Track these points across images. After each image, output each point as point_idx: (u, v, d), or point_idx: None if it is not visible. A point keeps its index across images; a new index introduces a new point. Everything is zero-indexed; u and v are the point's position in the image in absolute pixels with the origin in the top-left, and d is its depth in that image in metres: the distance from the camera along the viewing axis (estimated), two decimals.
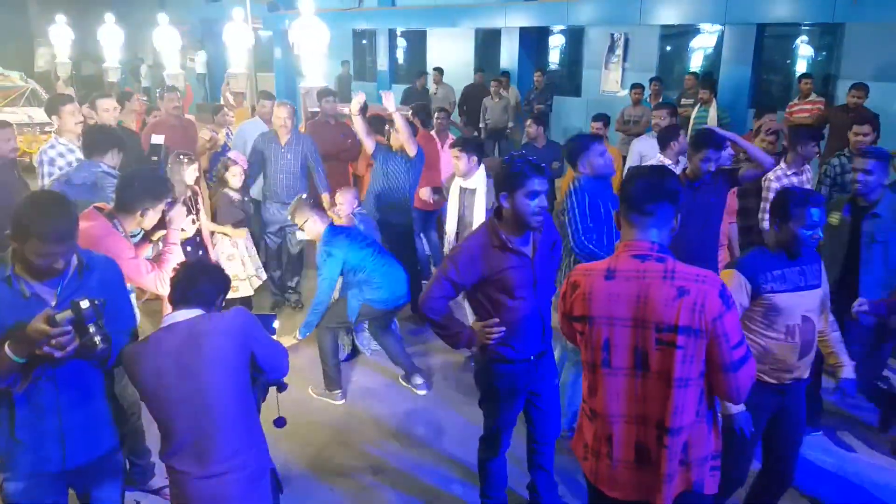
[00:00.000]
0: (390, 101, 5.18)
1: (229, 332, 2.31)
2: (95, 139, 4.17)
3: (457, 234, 4.79)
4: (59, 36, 11.74)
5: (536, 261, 2.90)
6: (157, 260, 3.27)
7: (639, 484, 2.20)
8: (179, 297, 2.39)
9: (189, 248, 4.68)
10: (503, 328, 2.88)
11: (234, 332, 2.32)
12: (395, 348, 4.67)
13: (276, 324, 2.67)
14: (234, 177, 5.19)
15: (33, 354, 2.10)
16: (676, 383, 2.06)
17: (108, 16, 10.69)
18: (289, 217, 4.65)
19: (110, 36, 10.71)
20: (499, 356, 2.97)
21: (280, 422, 2.76)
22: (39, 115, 10.93)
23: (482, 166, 4.72)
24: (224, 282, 2.54)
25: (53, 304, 2.20)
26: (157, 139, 5.43)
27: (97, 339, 2.12)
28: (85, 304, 2.08)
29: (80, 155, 5.12)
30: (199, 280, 2.41)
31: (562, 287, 2.36)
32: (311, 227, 4.40)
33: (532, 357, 3.01)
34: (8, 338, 2.11)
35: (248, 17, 10.60)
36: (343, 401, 4.54)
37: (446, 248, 4.89)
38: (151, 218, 3.20)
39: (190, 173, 4.73)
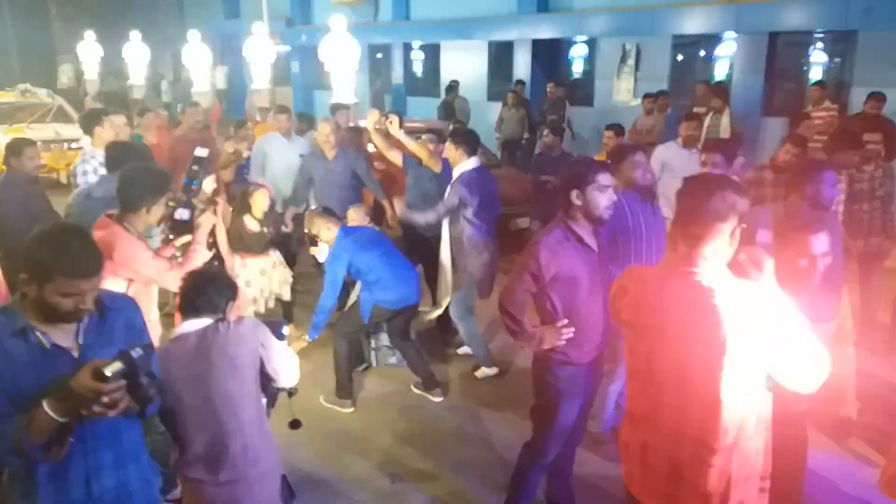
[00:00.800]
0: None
1: (239, 340, 2.37)
2: (118, 154, 4.17)
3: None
4: (88, 52, 11.70)
5: (602, 258, 2.99)
6: (182, 259, 3.33)
7: (670, 497, 2.17)
8: (188, 306, 2.46)
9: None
10: (573, 329, 2.89)
11: (243, 341, 2.38)
12: (415, 356, 4.76)
13: (286, 329, 2.71)
14: (263, 198, 5.14)
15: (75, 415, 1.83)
16: (723, 402, 2.02)
17: (133, 34, 10.69)
18: (307, 229, 4.76)
19: (136, 53, 10.71)
20: (566, 358, 2.95)
21: (295, 423, 2.80)
22: (67, 131, 11.04)
23: (473, 158, 4.86)
24: (231, 288, 2.59)
25: (76, 353, 1.94)
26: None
27: (152, 391, 1.86)
28: (137, 352, 1.82)
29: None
30: (207, 288, 2.48)
31: (612, 287, 2.38)
32: (326, 235, 4.54)
33: (595, 358, 3.04)
34: (35, 400, 1.80)
35: (268, 32, 10.78)
36: (352, 409, 4.60)
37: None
38: (156, 212, 3.22)
39: (207, 185, 4.80)
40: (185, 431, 2.37)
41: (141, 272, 3.14)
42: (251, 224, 5.13)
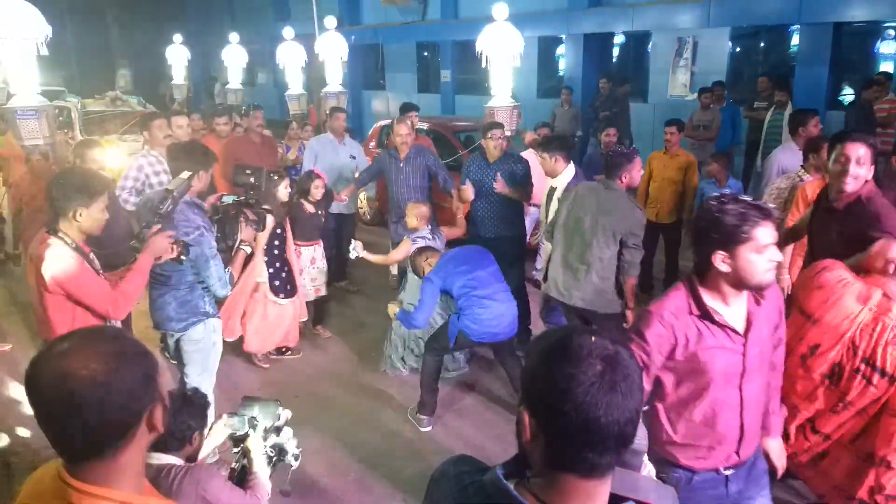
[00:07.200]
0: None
1: (179, 493, 2.26)
2: (179, 158, 3.61)
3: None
4: (176, 56, 10.73)
5: (751, 340, 2.14)
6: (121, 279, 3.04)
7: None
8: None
9: (276, 252, 4.93)
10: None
11: (183, 494, 2.27)
12: (517, 372, 4.50)
13: (279, 410, 2.56)
14: (317, 189, 5.36)
15: None
16: None
17: (232, 35, 9.95)
18: (411, 268, 4.56)
19: (234, 56, 9.90)
20: (689, 466, 2.26)
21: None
22: None
23: (570, 164, 4.71)
24: (201, 418, 2.49)
25: None
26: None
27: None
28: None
29: (168, 167, 5.40)
30: (175, 417, 2.32)
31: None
32: (429, 269, 4.32)
33: (722, 469, 2.26)
34: None
35: (318, 32, 10.80)
36: (429, 428, 4.38)
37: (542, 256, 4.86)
38: (87, 218, 2.90)
39: (282, 190, 4.88)
40: None
41: (74, 293, 2.88)
42: (307, 206, 5.34)
